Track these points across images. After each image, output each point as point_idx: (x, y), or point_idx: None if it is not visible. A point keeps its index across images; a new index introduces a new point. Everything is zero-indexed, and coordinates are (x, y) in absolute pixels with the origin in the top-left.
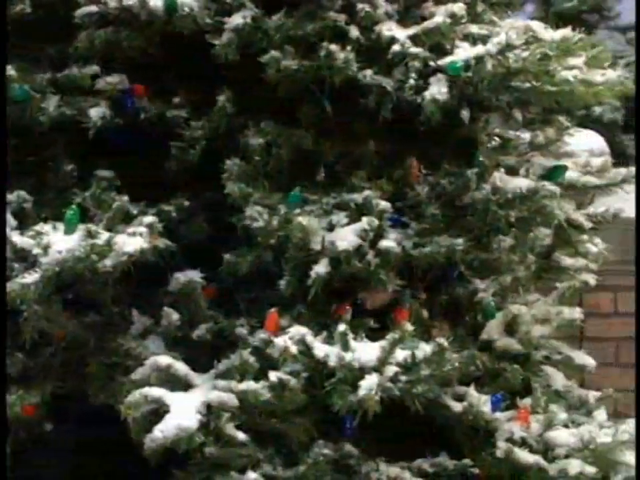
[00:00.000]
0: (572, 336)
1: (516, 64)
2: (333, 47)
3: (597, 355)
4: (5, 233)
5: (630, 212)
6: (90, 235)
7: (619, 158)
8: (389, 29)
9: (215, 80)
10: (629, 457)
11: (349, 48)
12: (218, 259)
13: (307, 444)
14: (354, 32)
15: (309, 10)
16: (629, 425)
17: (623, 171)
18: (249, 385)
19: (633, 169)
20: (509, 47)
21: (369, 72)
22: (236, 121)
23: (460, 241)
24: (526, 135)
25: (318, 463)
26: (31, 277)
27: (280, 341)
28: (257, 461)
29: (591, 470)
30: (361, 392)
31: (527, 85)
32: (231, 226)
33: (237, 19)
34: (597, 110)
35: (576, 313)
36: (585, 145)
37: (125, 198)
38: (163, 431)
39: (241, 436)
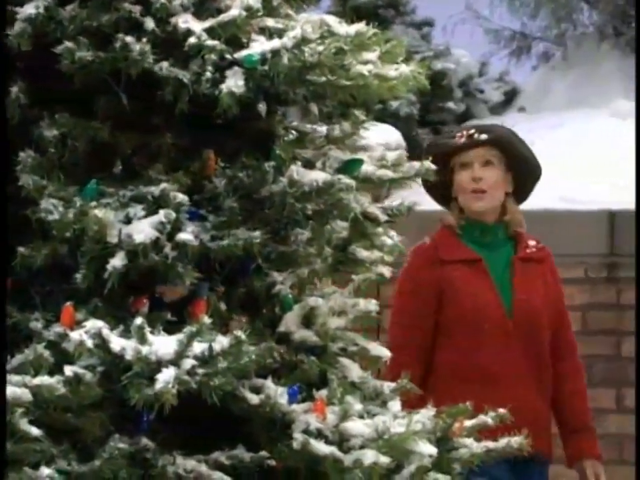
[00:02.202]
0: (369, 327)
1: (311, 58)
2: (129, 38)
3: None
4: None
5: (426, 205)
6: None
7: (415, 152)
8: (185, 21)
9: (8, 71)
10: (422, 447)
11: (144, 40)
12: (12, 253)
13: (103, 438)
14: (149, 24)
15: (104, 1)
16: (422, 415)
17: (416, 164)
18: (43, 379)
19: (427, 163)
20: (304, 41)
21: (165, 64)
22: (30, 113)
23: (257, 233)
24: (323, 129)
25: (113, 457)
26: None
27: (75, 334)
28: (51, 457)
29: (385, 460)
30: (158, 385)
31: (323, 78)
32: (26, 219)
33: (29, 9)
34: (394, 104)
35: (372, 304)
36: (381, 139)
37: None
38: None
39: (34, 431)
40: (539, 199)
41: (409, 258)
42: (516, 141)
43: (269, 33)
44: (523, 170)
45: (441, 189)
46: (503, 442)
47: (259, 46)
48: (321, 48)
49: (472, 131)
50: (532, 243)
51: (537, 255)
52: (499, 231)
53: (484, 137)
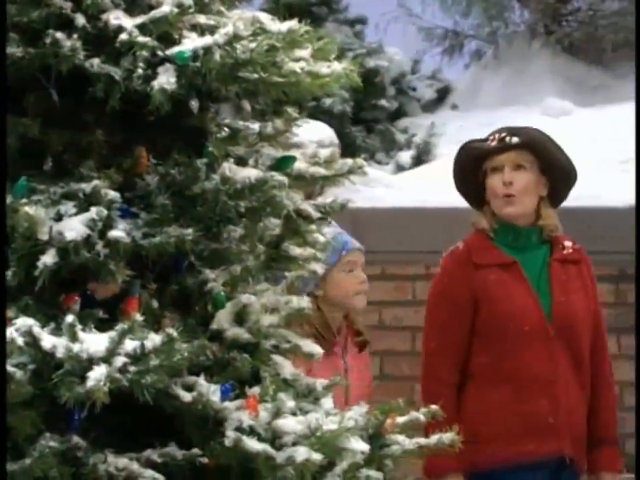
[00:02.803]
0: (302, 324)
1: (244, 55)
2: (59, 34)
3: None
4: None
5: (360, 202)
6: None
7: (348, 149)
8: (116, 17)
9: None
10: (354, 443)
11: (75, 36)
12: None
13: (34, 437)
14: (80, 20)
15: None
16: (355, 412)
17: (349, 161)
18: None
19: (359, 160)
20: (236, 38)
21: (96, 61)
22: None
23: (190, 231)
24: (255, 126)
25: (44, 455)
26: None
27: (6, 332)
28: None
29: (317, 457)
30: (89, 383)
31: (255, 75)
32: None
33: None
34: (327, 102)
35: (304, 302)
36: (314, 136)
37: None
38: None
39: None
40: None
41: (442, 263)
42: (549, 144)
43: (201, 30)
44: (556, 174)
45: (474, 192)
46: (434, 438)
47: (191, 43)
48: (253, 45)
49: (504, 134)
50: (568, 244)
51: (573, 257)
52: (533, 235)
53: (515, 140)
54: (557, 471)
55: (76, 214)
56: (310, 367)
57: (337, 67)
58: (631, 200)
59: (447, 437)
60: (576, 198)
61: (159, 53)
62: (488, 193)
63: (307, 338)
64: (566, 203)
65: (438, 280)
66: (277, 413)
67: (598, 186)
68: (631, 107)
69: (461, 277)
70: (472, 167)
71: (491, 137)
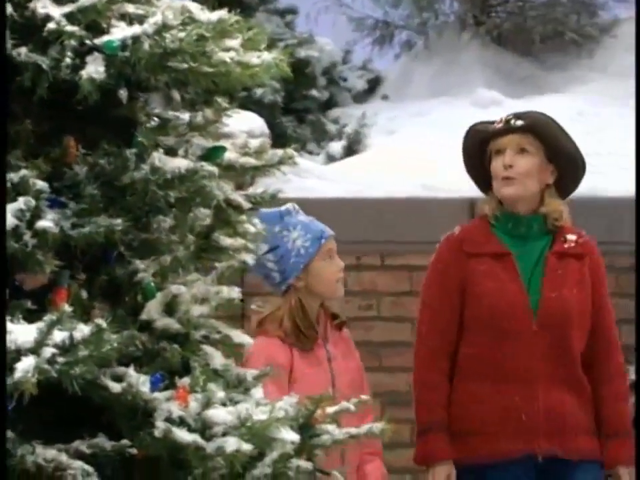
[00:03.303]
0: (233, 315)
1: (173, 44)
2: None
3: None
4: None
5: (291, 193)
6: None
7: (279, 139)
8: (44, 6)
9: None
10: (285, 433)
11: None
12: None
13: None
14: (7, 8)
15: None
16: (285, 402)
17: (280, 152)
18: None
19: (290, 150)
20: (165, 27)
21: (23, 50)
22: None
23: (119, 221)
24: (185, 116)
25: None
26: None
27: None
28: None
29: (247, 447)
30: (17, 374)
31: (185, 65)
32: None
33: None
34: (258, 92)
35: (235, 292)
36: (244, 126)
37: None
38: None
39: None
40: (401, 187)
41: (437, 248)
42: (555, 130)
43: (130, 19)
44: (562, 161)
45: (482, 176)
46: (364, 428)
47: (120, 32)
48: (182, 34)
49: (509, 117)
50: (571, 237)
51: (576, 250)
52: (534, 224)
53: (519, 123)
54: (549, 468)
55: None
56: (291, 363)
57: (267, 57)
58: None
59: (377, 426)
60: None
61: (87, 42)
62: (492, 177)
63: (287, 336)
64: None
65: (432, 265)
66: (207, 404)
67: None
68: (558, 97)
69: (452, 264)
70: (477, 151)
71: (498, 120)
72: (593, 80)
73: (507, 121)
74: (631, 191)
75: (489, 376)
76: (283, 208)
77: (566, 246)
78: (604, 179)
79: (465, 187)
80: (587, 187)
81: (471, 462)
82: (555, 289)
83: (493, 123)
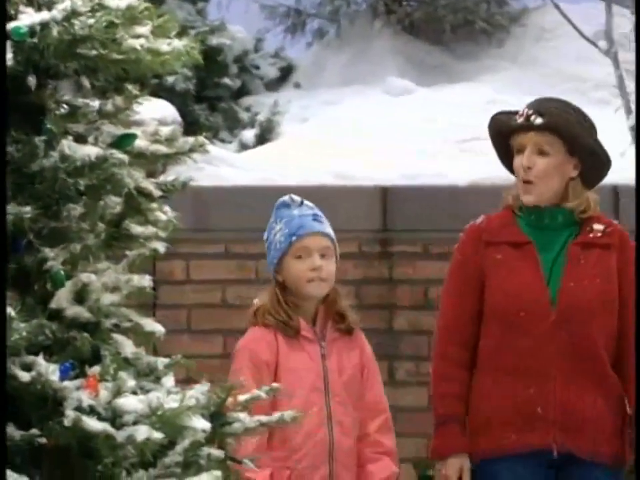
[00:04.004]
0: (144, 303)
1: (82, 31)
2: None
3: (170, 322)
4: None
5: (203, 181)
6: None
7: (192, 127)
8: None
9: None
10: (196, 422)
11: None
12: None
13: None
14: None
15: None
16: (196, 391)
17: (191, 139)
18: None
19: (201, 138)
20: (74, 13)
21: None
22: None
23: (28, 209)
24: (95, 103)
25: None
26: None
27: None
28: None
29: (158, 435)
30: None
31: (94, 52)
32: None
33: None
34: (170, 79)
35: (146, 280)
36: (156, 114)
37: None
38: None
39: None
40: (313, 175)
41: (461, 236)
42: (574, 127)
43: (38, 5)
44: (583, 156)
45: (508, 164)
46: (275, 416)
47: (28, 18)
48: (91, 21)
49: (530, 112)
50: (598, 226)
51: (602, 241)
52: (559, 215)
53: (539, 121)
54: (564, 465)
55: None
56: (277, 358)
57: (178, 44)
58: (470, 178)
59: (289, 414)
60: (417, 176)
61: None
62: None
63: (274, 327)
64: (407, 181)
65: (454, 254)
66: (118, 392)
67: (440, 165)
68: (469, 86)
69: (472, 253)
70: (498, 141)
71: (520, 112)
72: (503, 69)
73: (528, 117)
74: None
75: (506, 368)
76: (282, 199)
77: (591, 235)
78: None
79: (376, 175)
80: (497, 174)
81: (484, 456)
82: (575, 279)
83: (515, 113)
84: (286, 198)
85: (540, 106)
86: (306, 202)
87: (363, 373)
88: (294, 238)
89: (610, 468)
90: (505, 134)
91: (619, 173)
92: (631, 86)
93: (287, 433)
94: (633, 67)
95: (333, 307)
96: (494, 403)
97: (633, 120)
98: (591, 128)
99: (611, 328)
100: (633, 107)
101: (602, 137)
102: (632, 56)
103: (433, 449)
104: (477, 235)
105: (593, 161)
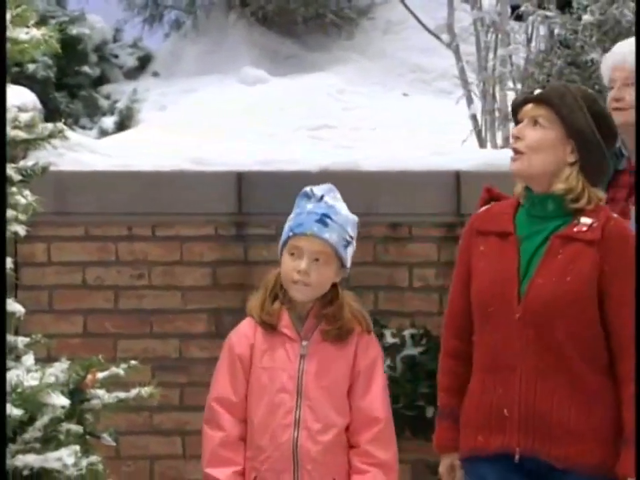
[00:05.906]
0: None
1: None
2: None
3: (31, 303)
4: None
5: (64, 166)
6: None
7: (53, 114)
8: None
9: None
10: (55, 399)
11: None
12: None
13: None
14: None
15: None
16: (56, 369)
17: (50, 126)
18: None
19: (60, 124)
20: None
21: None
22: None
23: None
24: None
25: None
26: None
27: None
28: None
29: (18, 412)
30: None
31: None
32: None
33: None
34: (30, 67)
35: (7, 262)
36: (16, 101)
37: None
38: None
39: None
40: (171, 161)
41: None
42: (571, 103)
43: None
44: (578, 140)
45: None
46: (133, 392)
47: None
48: None
49: (537, 89)
50: (585, 220)
51: (586, 236)
52: (549, 203)
53: (536, 92)
54: (529, 468)
55: None
56: (251, 353)
57: (36, 33)
58: (321, 164)
59: (146, 390)
60: (271, 162)
61: None
62: None
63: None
64: (261, 167)
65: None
66: None
67: (293, 151)
68: (320, 76)
69: (464, 243)
70: (515, 121)
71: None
72: (353, 60)
73: (531, 92)
74: (388, 165)
75: (482, 366)
76: (305, 189)
77: (575, 230)
78: (362, 153)
79: (231, 160)
80: (346, 160)
81: (462, 455)
82: (545, 275)
83: (531, 93)
84: (307, 189)
85: (549, 85)
86: (327, 198)
87: (356, 379)
88: (291, 234)
89: (584, 474)
90: (515, 112)
91: (460, 161)
92: (472, 77)
93: (254, 433)
94: (473, 59)
95: (328, 307)
96: (473, 401)
97: (473, 109)
98: (591, 118)
99: (584, 329)
100: (475, 97)
101: (445, 124)
102: (472, 48)
103: (434, 443)
104: (471, 224)
105: (588, 149)
